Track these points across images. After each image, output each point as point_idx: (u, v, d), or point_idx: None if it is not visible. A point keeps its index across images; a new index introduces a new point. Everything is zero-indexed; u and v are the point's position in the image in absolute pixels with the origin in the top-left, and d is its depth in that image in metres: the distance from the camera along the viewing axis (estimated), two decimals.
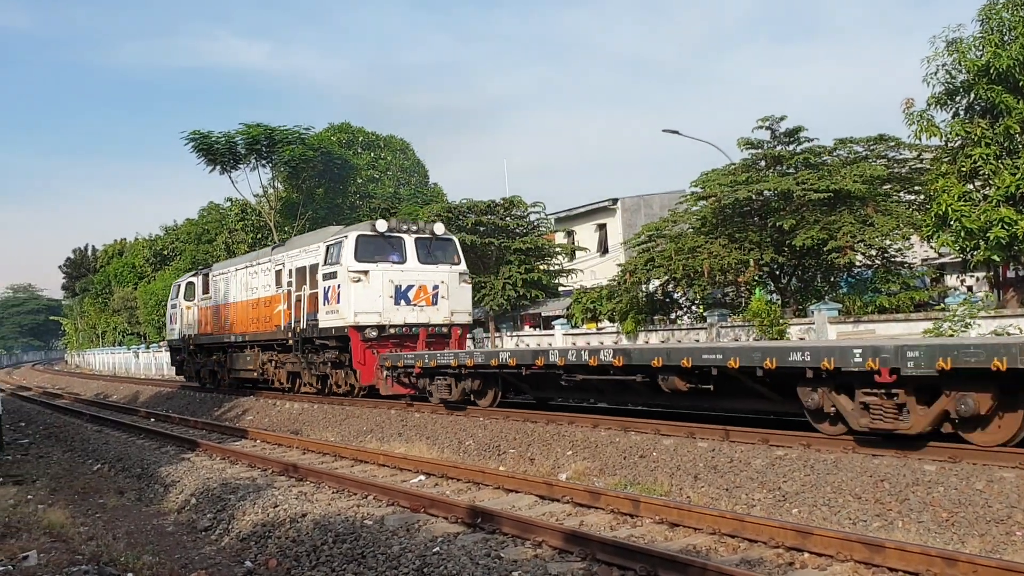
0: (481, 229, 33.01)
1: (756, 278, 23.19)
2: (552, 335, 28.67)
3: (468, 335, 21.47)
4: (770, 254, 22.57)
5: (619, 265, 28.67)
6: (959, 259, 20.63)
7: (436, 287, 19.67)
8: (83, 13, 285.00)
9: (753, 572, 6.69)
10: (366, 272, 18.89)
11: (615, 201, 43.48)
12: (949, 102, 18.42)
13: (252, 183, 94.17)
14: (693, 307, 27.02)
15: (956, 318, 16.95)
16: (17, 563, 7.79)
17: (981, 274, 21.47)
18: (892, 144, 23.63)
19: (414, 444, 14.62)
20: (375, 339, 18.80)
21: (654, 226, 26.73)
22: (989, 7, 17.55)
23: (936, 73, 18.13)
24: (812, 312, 20.95)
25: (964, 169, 17.92)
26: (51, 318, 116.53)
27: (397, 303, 19.13)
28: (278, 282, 22.23)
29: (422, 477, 11.94)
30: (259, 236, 54.63)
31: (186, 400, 26.63)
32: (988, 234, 17.00)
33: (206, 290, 27.46)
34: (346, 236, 19.42)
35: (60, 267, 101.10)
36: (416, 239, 19.83)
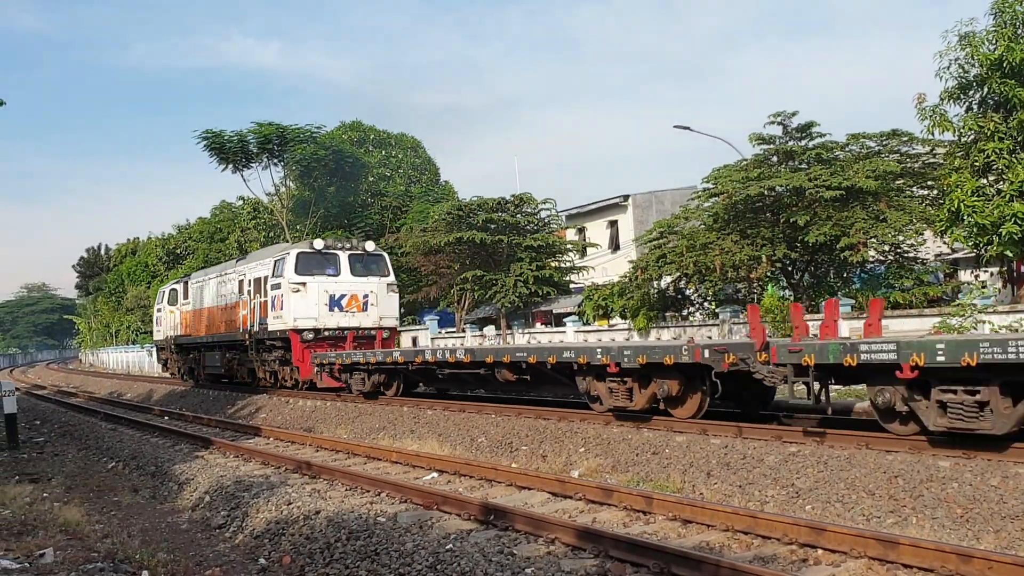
0: (492, 226, 33.00)
1: (768, 274, 23.11)
2: (564, 332, 28.64)
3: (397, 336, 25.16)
4: (782, 250, 22.49)
5: (631, 262, 28.64)
6: (972, 254, 20.51)
7: (366, 296, 22.99)
8: (96, 14, 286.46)
9: (767, 569, 6.68)
10: (304, 284, 22.20)
11: (626, 198, 43.39)
12: (962, 96, 18.31)
13: (264, 182, 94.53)
14: (705, 303, 26.96)
15: (966, 314, 16.88)
16: (33, 560, 7.84)
17: (995, 269, 21.34)
18: (905, 139, 23.51)
19: (426, 441, 14.65)
20: (312, 340, 22.03)
21: (666, 223, 26.66)
22: (1002, 1, 17.44)
23: (949, 67, 18.03)
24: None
25: (977, 164, 17.82)
26: (65, 317, 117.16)
27: (331, 310, 22.42)
28: (240, 290, 25.20)
29: (435, 474, 11.96)
30: (271, 235, 54.76)
31: (199, 398, 26.74)
32: (1001, 229, 16.90)
33: (186, 296, 30.69)
34: (288, 253, 22.80)
35: (74, 266, 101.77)
36: (350, 255, 23.14)
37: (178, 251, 68.97)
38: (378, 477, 11.46)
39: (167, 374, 35.41)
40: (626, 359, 12.30)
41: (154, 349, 40.46)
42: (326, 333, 22.27)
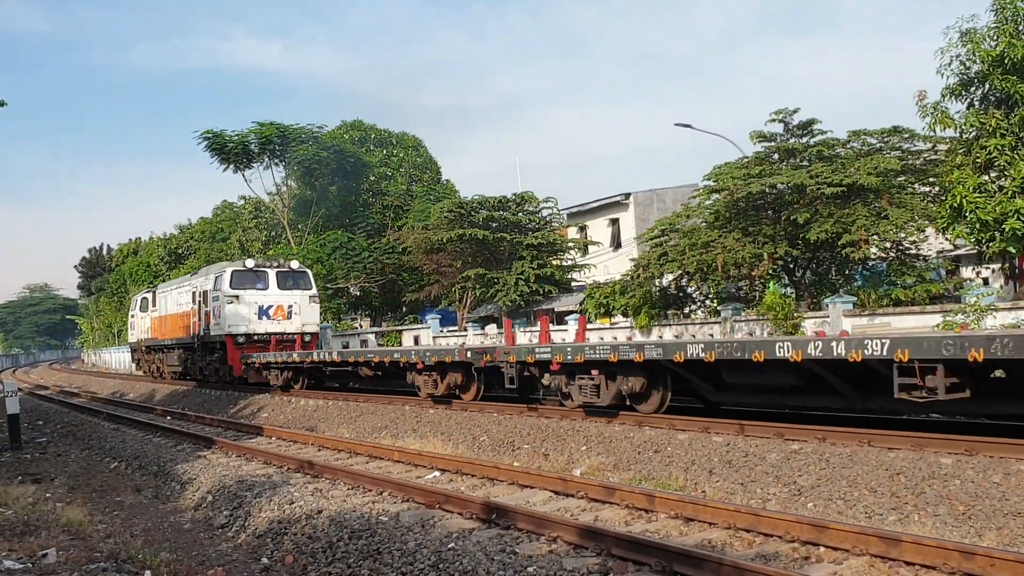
0: (494, 225, 33.01)
1: (770, 272, 23.09)
2: (566, 330, 28.65)
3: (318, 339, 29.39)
4: (784, 247, 22.47)
5: (632, 260, 28.63)
6: (974, 251, 20.49)
7: (290, 306, 27.48)
8: (98, 15, 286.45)
9: (769, 566, 6.68)
10: (237, 296, 26.55)
11: (628, 196, 43.38)
12: (963, 93, 18.29)
13: (266, 181, 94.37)
14: (707, 301, 26.94)
15: (968, 311, 16.88)
16: (36, 560, 7.85)
17: (997, 266, 21.31)
18: (906, 136, 23.47)
19: (428, 440, 14.65)
20: (244, 344, 26.23)
21: (667, 221, 26.65)
22: None
23: (950, 64, 18.01)
24: (827, 305, 20.87)
25: (979, 160, 17.80)
26: (67, 317, 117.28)
27: (260, 318, 26.79)
28: (193, 301, 29.07)
29: (437, 473, 11.97)
30: (273, 234, 54.80)
31: (201, 398, 26.76)
32: (1004, 225, 16.88)
33: (154, 304, 34.73)
34: (225, 270, 27.10)
35: (76, 267, 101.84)
36: (277, 272, 27.55)
37: (180, 251, 69.01)
38: (380, 476, 11.46)
39: (139, 372, 40.53)
40: (427, 358, 17.07)
41: (129, 351, 45.13)
42: (255, 338, 26.56)
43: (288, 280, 27.73)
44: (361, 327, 43.27)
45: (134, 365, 42.42)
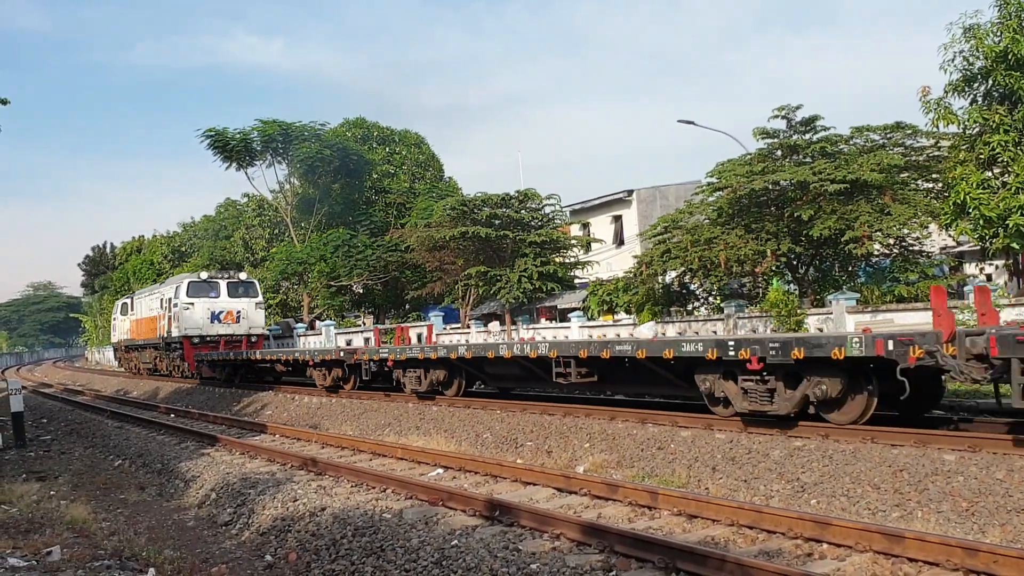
0: (496, 222, 32.98)
1: (773, 268, 23.07)
2: (568, 328, 28.65)
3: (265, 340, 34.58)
4: (787, 244, 22.45)
5: (635, 257, 28.60)
6: (978, 247, 20.46)
7: (239, 312, 32.22)
8: (98, 14, 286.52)
9: (772, 563, 6.68)
10: (192, 303, 31.45)
11: (630, 193, 43.35)
12: (967, 89, 18.24)
13: (269, 179, 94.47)
14: (710, 298, 26.93)
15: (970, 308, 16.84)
16: (41, 558, 7.88)
17: (1000, 262, 21.30)
18: (909, 132, 23.44)
19: (432, 437, 14.67)
20: (199, 343, 31.01)
21: (670, 217, 26.63)
22: None
23: (953, 60, 17.97)
24: (830, 302, 20.85)
25: (982, 156, 17.77)
26: (71, 315, 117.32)
27: (212, 322, 31.49)
28: (160, 306, 33.74)
29: (440, 470, 11.97)
30: (276, 232, 54.82)
31: (205, 396, 26.79)
32: (1007, 222, 16.86)
33: (132, 309, 39.31)
34: (183, 281, 32.34)
35: (79, 265, 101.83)
36: (228, 282, 32.45)
37: (183, 249, 69.05)
38: (383, 473, 11.47)
39: (121, 368, 45.67)
40: (316, 357, 21.21)
41: (112, 350, 50.05)
42: (208, 339, 31.29)
43: (238, 289, 32.79)
44: (364, 324, 43.29)
45: (116, 362, 48.62)
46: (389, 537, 8.31)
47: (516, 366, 15.17)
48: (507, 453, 13.06)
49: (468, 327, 33.98)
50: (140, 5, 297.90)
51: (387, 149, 52.26)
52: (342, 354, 19.90)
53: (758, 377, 10.79)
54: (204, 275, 32.81)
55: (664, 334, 24.60)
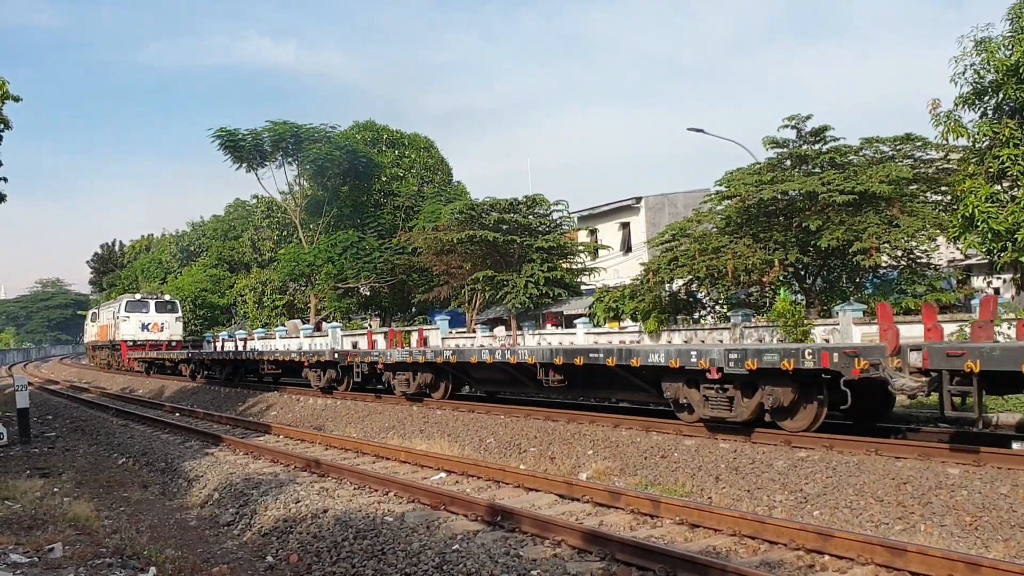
0: (503, 227, 33.01)
1: (780, 278, 23.05)
2: (574, 334, 28.65)
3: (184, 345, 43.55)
4: (795, 254, 22.42)
5: (642, 264, 28.59)
6: (986, 260, 20.40)
7: (163, 323, 43.86)
8: (110, 13, 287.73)
9: (773, 574, 6.66)
10: (128, 317, 43.14)
11: (639, 200, 43.36)
12: (977, 102, 18.20)
13: (278, 180, 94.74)
14: (717, 307, 26.90)
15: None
16: (43, 555, 7.90)
17: (1008, 276, 21.22)
18: (919, 144, 23.40)
19: (435, 441, 14.66)
20: (132, 346, 41.28)
21: (678, 225, 26.62)
22: (1019, 6, 17.34)
23: (964, 73, 17.94)
24: (837, 313, 20.81)
25: (992, 170, 17.73)
26: (79, 312, 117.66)
27: (143, 330, 42.87)
28: (112, 317, 45.58)
29: (443, 474, 11.97)
30: (284, 233, 54.93)
31: (210, 395, 26.84)
32: (1015, 236, 16.82)
33: (99, 317, 50.85)
34: (123, 300, 44.83)
35: (88, 262, 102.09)
36: (155, 302, 44.77)
37: (192, 248, 69.29)
38: (386, 476, 11.47)
39: (92, 364, 54.74)
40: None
41: (88, 348, 58.65)
42: (138, 342, 41.95)
43: (165, 307, 44.86)
44: (370, 327, 43.37)
45: (87, 359, 60.27)
46: (390, 540, 8.31)
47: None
48: (510, 458, 13.04)
49: (474, 331, 33.98)
50: (153, 5, 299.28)
51: (396, 152, 52.37)
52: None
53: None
54: (139, 296, 46.31)
55: (670, 341, 24.57)
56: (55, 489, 12.43)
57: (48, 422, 23.21)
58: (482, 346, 24.12)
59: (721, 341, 22.80)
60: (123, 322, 43.02)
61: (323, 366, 21.22)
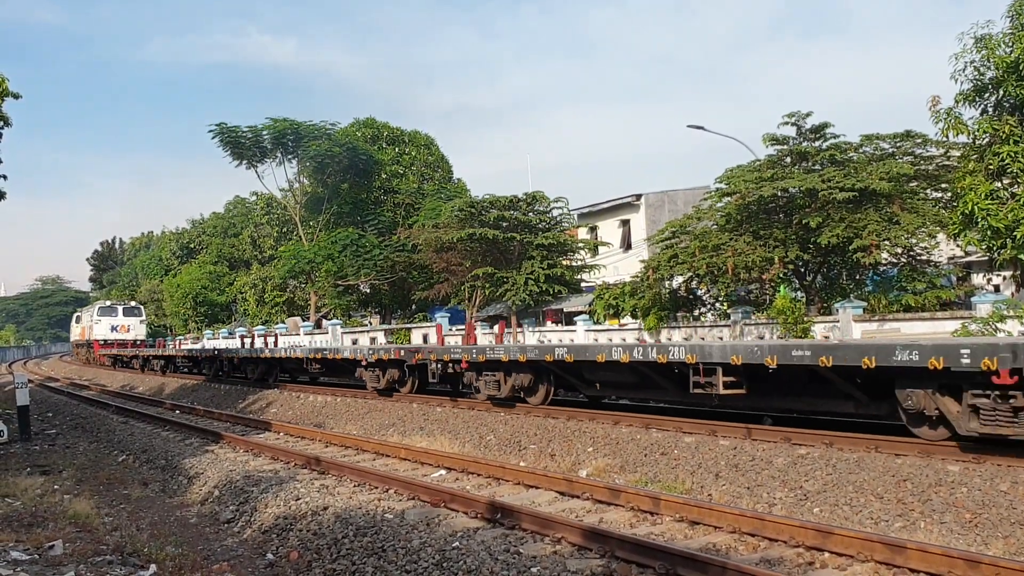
0: (503, 224, 33.00)
1: (780, 275, 23.04)
2: (574, 331, 28.64)
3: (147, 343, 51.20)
4: (795, 251, 22.42)
5: (642, 262, 28.59)
6: (986, 257, 20.40)
7: (129, 326, 52.15)
8: (111, 10, 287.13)
9: (773, 571, 6.67)
10: (100, 320, 52.43)
11: (639, 197, 43.31)
12: (977, 99, 18.18)
13: (278, 178, 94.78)
14: (717, 304, 26.90)
15: (982, 320, 16.80)
16: (43, 552, 7.90)
17: (1008, 273, 21.22)
18: (919, 141, 23.39)
19: (436, 438, 14.67)
20: (104, 344, 49.84)
21: (678, 223, 26.60)
22: (1020, 3, 17.31)
23: (964, 70, 17.90)
24: (837, 310, 20.82)
25: (992, 167, 17.71)
26: (78, 311, 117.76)
27: (112, 332, 51.30)
28: (89, 320, 54.22)
29: (443, 471, 11.98)
30: (284, 230, 54.94)
31: (211, 392, 26.85)
32: (1015, 233, 16.81)
33: (81, 320, 58.74)
34: (96, 306, 56.13)
35: (88, 259, 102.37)
36: (123, 308, 54.32)
37: (192, 246, 69.30)
38: (386, 474, 11.48)
39: (77, 360, 61.63)
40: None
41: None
42: (108, 341, 50.57)
43: (131, 311, 54.34)
44: (370, 324, 43.36)
45: (71, 356, 69.51)
46: (390, 537, 8.31)
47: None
48: (510, 456, 13.05)
49: (474, 328, 33.99)
50: (154, 2, 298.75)
51: (396, 149, 52.35)
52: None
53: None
54: (109, 303, 57.14)
55: (670, 338, 24.58)
56: (55, 486, 12.44)
57: (48, 419, 23.22)
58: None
59: (721, 338, 22.81)
60: (96, 324, 52.61)
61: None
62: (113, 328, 51.82)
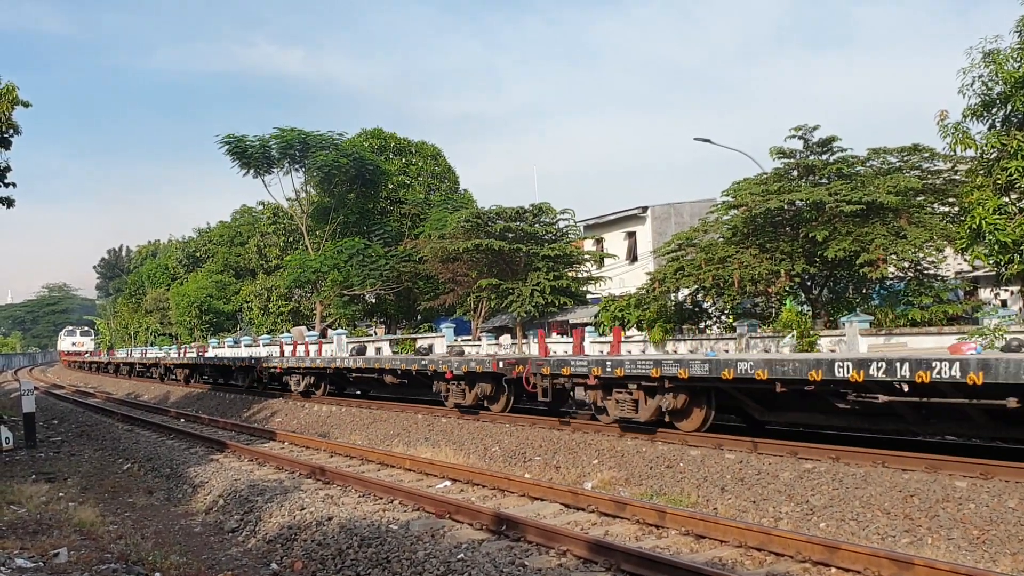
0: (510, 235, 33.01)
1: (787, 288, 22.97)
2: (569, 343, 28.55)
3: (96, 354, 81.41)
4: (801, 265, 22.36)
5: (648, 273, 28.54)
6: (993, 272, 20.33)
7: (83, 342, 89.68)
8: (121, 19, 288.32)
9: None
10: (65, 339, 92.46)
11: (645, 209, 43.30)
12: (985, 114, 18.14)
13: (285, 187, 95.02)
14: (723, 317, 26.84)
15: (987, 333, 16.72)
16: (48, 560, 7.90)
17: (1015, 288, 21.14)
18: (926, 155, 23.33)
19: (441, 449, 14.65)
20: (67, 355, 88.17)
21: (684, 235, 26.57)
22: None
23: (972, 84, 17.87)
24: (843, 324, 20.75)
25: (1000, 182, 17.65)
26: (85, 317, 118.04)
27: (72, 346, 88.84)
28: (61, 338, 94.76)
29: (448, 483, 11.95)
30: (291, 240, 55.00)
31: (216, 401, 26.86)
32: (1023, 247, 16.75)
33: (65, 337, 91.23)
34: (66, 331, 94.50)
35: (95, 267, 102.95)
36: (80, 331, 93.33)
37: (198, 254, 69.43)
38: (391, 484, 11.46)
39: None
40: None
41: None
42: (70, 352, 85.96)
43: (85, 333, 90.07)
44: (376, 334, 43.34)
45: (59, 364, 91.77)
46: (395, 549, 8.30)
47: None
48: (515, 467, 13.03)
49: (479, 339, 33.96)
50: (162, 12, 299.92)
51: (403, 160, 52.43)
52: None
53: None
54: (71, 327, 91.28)
55: (676, 351, 24.52)
56: (60, 494, 12.44)
57: (54, 427, 23.25)
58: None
59: (727, 351, 22.75)
60: (62, 341, 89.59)
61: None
62: (73, 344, 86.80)
